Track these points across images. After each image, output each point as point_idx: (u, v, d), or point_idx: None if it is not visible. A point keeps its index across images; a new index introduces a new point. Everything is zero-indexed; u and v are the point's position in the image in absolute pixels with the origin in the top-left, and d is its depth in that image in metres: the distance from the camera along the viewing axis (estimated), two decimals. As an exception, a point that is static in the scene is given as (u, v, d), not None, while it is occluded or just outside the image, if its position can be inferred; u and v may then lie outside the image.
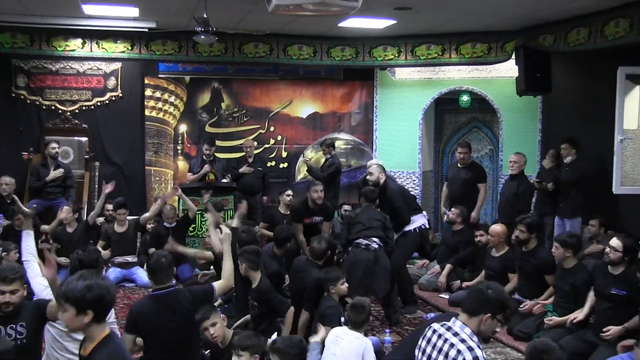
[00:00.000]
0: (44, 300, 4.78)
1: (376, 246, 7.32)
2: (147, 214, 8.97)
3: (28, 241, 5.37)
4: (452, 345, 3.63)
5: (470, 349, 3.56)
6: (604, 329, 5.96)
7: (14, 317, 4.36)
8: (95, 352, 3.23)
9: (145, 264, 5.62)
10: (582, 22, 8.41)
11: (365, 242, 7.33)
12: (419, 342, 3.90)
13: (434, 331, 3.82)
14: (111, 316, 5.02)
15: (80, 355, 3.40)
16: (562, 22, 8.75)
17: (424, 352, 3.82)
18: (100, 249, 8.57)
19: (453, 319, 3.84)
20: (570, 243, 6.68)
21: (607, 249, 6.17)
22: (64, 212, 8.34)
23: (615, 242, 6.13)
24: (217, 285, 5.36)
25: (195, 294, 5.27)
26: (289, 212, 9.05)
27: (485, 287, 3.90)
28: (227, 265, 5.43)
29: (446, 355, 3.61)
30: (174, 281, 5.43)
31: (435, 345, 3.75)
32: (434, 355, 3.71)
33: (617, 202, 8.60)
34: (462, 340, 3.61)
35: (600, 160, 8.91)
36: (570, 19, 8.57)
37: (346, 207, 9.90)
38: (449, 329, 3.75)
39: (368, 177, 8.15)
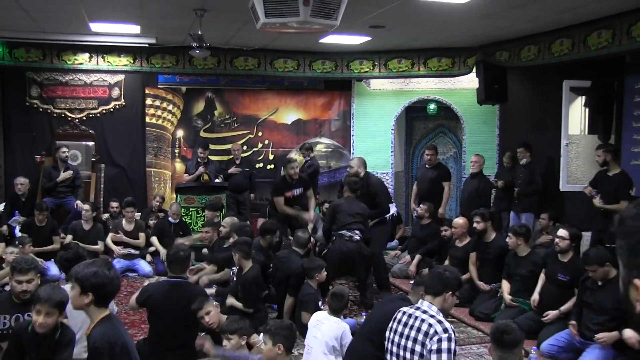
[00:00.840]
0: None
1: (358, 238, 7.39)
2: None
3: None
4: (423, 320, 3.75)
5: (439, 322, 3.71)
6: (544, 314, 6.15)
7: (30, 304, 4.33)
8: (93, 330, 3.33)
9: (165, 254, 5.70)
10: (532, 41, 8.51)
11: (348, 234, 7.36)
12: (390, 325, 3.99)
13: (404, 313, 3.93)
14: (113, 307, 5.06)
15: (87, 335, 3.47)
16: (515, 40, 8.83)
17: (395, 331, 3.91)
18: (110, 241, 8.76)
19: (420, 300, 3.98)
20: (520, 232, 6.83)
21: (557, 239, 6.30)
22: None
23: (562, 232, 6.28)
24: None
25: (200, 293, 5.37)
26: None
27: (443, 270, 4.10)
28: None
29: (418, 330, 3.73)
30: (187, 274, 5.57)
31: (406, 324, 3.84)
32: (406, 332, 3.81)
33: (564, 198, 8.69)
34: (432, 316, 3.76)
35: (549, 162, 9.03)
36: (522, 37, 8.65)
37: (327, 205, 9.90)
38: (417, 309, 3.88)
39: (348, 169, 8.19)
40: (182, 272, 5.32)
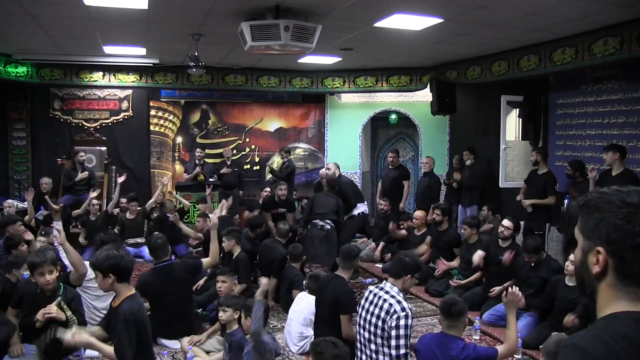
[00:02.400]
0: (67, 272, 4.93)
1: (329, 227, 7.44)
2: (150, 201, 9.09)
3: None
4: (385, 300, 3.81)
5: (398, 302, 3.75)
6: (490, 289, 6.28)
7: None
8: (123, 304, 3.37)
9: (148, 244, 5.70)
10: (476, 63, 8.61)
11: (320, 223, 7.48)
12: (361, 302, 4.04)
13: (370, 291, 3.99)
14: None
15: (112, 306, 3.54)
16: (462, 62, 8.91)
17: (363, 307, 3.97)
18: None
19: (384, 281, 4.02)
20: (474, 224, 6.97)
21: (501, 228, 6.40)
22: (94, 192, 8.54)
23: (507, 222, 6.39)
24: (205, 260, 5.47)
25: (187, 265, 5.43)
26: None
27: (403, 255, 4.11)
28: (214, 246, 5.45)
29: (381, 308, 3.79)
30: (172, 257, 5.60)
31: (372, 301, 3.90)
32: (371, 308, 3.87)
33: (502, 193, 8.80)
34: (392, 296, 3.81)
35: (490, 163, 9.13)
36: (467, 60, 8.75)
37: (305, 200, 9.93)
38: (381, 289, 3.93)
39: (326, 170, 8.23)
40: (165, 256, 5.34)
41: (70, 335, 3.47)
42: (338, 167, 8.21)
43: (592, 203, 1.36)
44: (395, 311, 3.71)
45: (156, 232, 6.37)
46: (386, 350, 3.77)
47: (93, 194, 8.51)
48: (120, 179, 8.68)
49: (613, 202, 1.31)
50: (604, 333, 1.23)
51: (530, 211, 7.40)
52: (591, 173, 6.53)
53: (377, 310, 3.82)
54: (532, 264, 5.75)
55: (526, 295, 5.62)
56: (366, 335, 3.90)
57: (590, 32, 6.42)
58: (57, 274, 4.28)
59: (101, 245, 4.97)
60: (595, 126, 7.38)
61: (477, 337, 5.61)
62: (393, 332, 3.69)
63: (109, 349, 3.43)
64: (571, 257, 5.41)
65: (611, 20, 6.01)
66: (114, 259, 3.35)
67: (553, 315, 5.31)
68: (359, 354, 4.04)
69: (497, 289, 6.21)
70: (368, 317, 3.88)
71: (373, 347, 3.84)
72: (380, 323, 3.77)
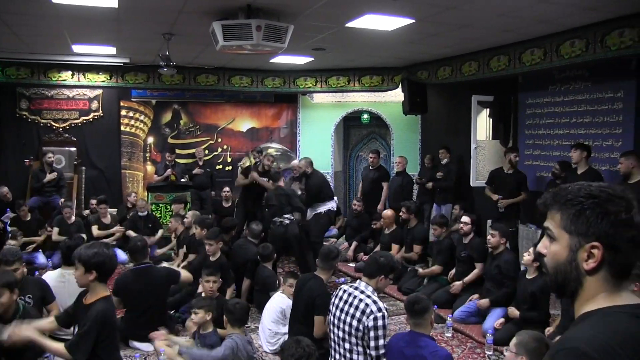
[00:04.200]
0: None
1: (287, 222, 7.49)
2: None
3: None
4: (360, 300, 3.84)
5: (374, 302, 3.79)
6: (450, 285, 6.46)
7: (21, 290, 4.29)
8: (95, 304, 3.37)
9: (127, 247, 5.67)
10: (447, 63, 8.69)
11: (279, 220, 7.53)
12: (334, 301, 4.05)
13: (344, 291, 4.01)
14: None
15: (82, 302, 3.50)
16: (433, 62, 8.98)
17: (337, 306, 3.99)
18: (94, 229, 8.67)
19: (358, 280, 4.05)
20: (442, 222, 7.08)
21: (461, 224, 6.58)
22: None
23: (465, 218, 6.58)
24: (182, 273, 5.48)
25: (169, 273, 5.43)
26: (229, 204, 9.20)
27: (379, 256, 4.13)
28: (186, 275, 5.53)
29: (356, 308, 3.81)
30: (148, 259, 5.58)
31: (347, 301, 3.92)
32: (345, 308, 3.89)
33: (473, 192, 8.91)
34: (368, 296, 3.84)
35: (461, 162, 9.24)
36: (438, 60, 8.82)
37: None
38: (356, 288, 3.95)
39: (294, 172, 8.34)
40: (144, 258, 5.36)
41: (7, 333, 3.36)
42: (310, 164, 8.30)
43: (578, 199, 1.34)
44: (372, 311, 3.74)
45: (135, 235, 6.33)
46: (360, 349, 3.81)
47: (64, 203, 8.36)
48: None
49: (604, 196, 1.32)
50: (606, 335, 1.22)
51: (503, 210, 7.50)
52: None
53: (352, 310, 3.83)
54: (493, 254, 5.92)
55: (489, 289, 5.82)
56: (340, 334, 3.92)
57: (558, 34, 6.55)
58: (14, 297, 3.93)
59: (67, 251, 4.95)
60: (563, 126, 7.53)
61: (450, 335, 5.69)
62: (372, 333, 3.73)
63: (56, 345, 3.39)
64: (530, 250, 5.55)
65: (577, 23, 6.15)
66: (101, 257, 3.37)
67: (516, 307, 5.45)
68: (332, 352, 4.07)
69: (456, 284, 6.41)
70: (342, 317, 3.89)
71: (347, 346, 3.87)
72: (355, 323, 3.79)
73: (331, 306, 4.07)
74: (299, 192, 8.45)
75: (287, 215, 7.56)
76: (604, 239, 1.30)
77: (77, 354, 3.31)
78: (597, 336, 1.22)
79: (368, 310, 3.75)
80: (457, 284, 6.39)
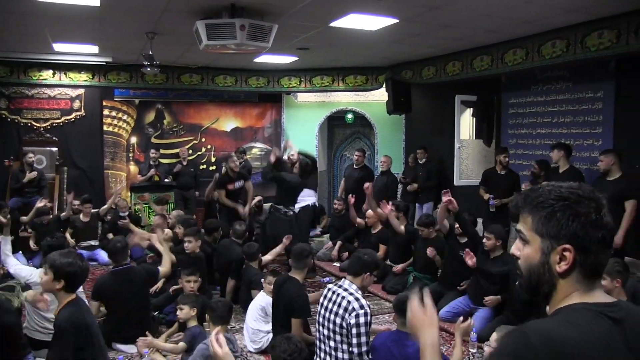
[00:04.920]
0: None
1: (292, 213, 7.43)
2: (104, 207, 8.89)
3: (5, 245, 5.36)
4: (343, 297, 3.85)
5: (357, 299, 3.80)
6: (448, 284, 6.40)
7: None
8: (62, 311, 3.29)
9: (106, 247, 5.63)
10: (430, 63, 8.74)
11: (284, 209, 7.44)
12: (320, 300, 4.07)
13: (329, 290, 4.03)
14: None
15: (55, 316, 3.41)
16: (417, 62, 9.03)
17: (322, 305, 4.00)
18: (68, 236, 8.54)
19: (343, 279, 4.05)
20: (428, 222, 7.02)
21: (457, 225, 6.49)
22: (42, 202, 8.22)
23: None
24: (161, 269, 5.45)
25: (147, 271, 5.39)
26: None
27: (362, 254, 4.12)
28: (166, 258, 5.51)
29: (339, 305, 3.83)
30: (128, 260, 5.55)
31: (331, 299, 3.93)
32: (330, 306, 3.90)
33: (456, 191, 8.76)
34: (351, 294, 3.85)
35: (445, 161, 9.30)
36: (422, 60, 8.87)
37: (258, 197, 9.70)
38: (340, 287, 3.96)
39: (290, 157, 8.19)
40: (124, 259, 5.30)
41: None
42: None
43: (548, 202, 1.35)
44: (354, 309, 3.76)
45: (115, 236, 6.27)
46: (345, 347, 3.82)
47: (40, 204, 8.22)
48: (70, 198, 8.44)
49: (574, 198, 1.33)
50: (559, 324, 1.25)
51: (494, 210, 7.53)
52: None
53: (335, 308, 3.85)
54: (491, 257, 5.87)
55: (484, 288, 5.82)
56: (325, 332, 3.94)
57: (540, 35, 6.63)
58: None
59: (49, 251, 4.87)
60: (545, 125, 7.62)
61: (434, 333, 5.69)
62: (354, 330, 3.74)
63: None
64: (514, 250, 5.54)
65: (558, 24, 6.23)
66: (74, 268, 3.29)
67: (510, 308, 5.45)
68: (317, 351, 4.08)
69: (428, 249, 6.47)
70: (327, 315, 3.91)
71: (332, 344, 3.88)
72: (339, 320, 3.80)
73: (318, 306, 4.09)
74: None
75: (292, 208, 7.51)
76: (574, 241, 1.31)
77: None
78: (549, 324, 1.25)
79: (350, 308, 3.77)
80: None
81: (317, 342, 4.08)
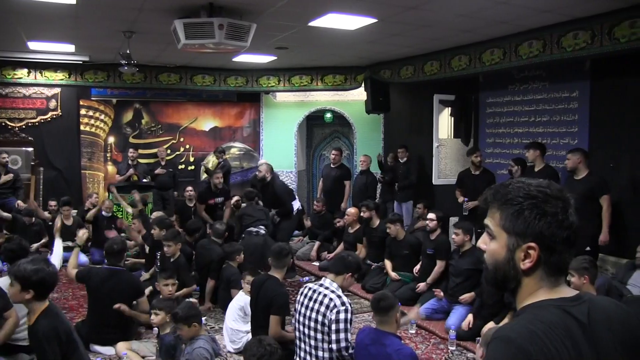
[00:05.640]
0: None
1: (263, 232, 7.51)
2: (90, 213, 8.75)
3: None
4: (325, 295, 3.91)
5: (339, 296, 3.87)
6: (416, 285, 6.51)
7: None
8: (38, 322, 3.21)
9: (104, 247, 5.59)
10: (409, 62, 8.79)
11: (255, 229, 7.51)
12: (298, 298, 4.10)
13: (309, 289, 4.06)
14: None
15: (28, 325, 3.35)
16: (395, 61, 9.08)
17: (302, 304, 4.03)
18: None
19: (324, 278, 4.12)
20: (395, 219, 7.09)
21: (427, 221, 6.63)
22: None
23: (432, 215, 6.61)
24: (143, 303, 5.33)
25: (136, 283, 5.43)
26: (193, 203, 9.13)
27: (346, 254, 4.28)
28: (144, 307, 5.36)
29: (321, 303, 3.87)
30: (122, 263, 5.49)
31: (311, 297, 3.97)
32: (310, 305, 3.93)
33: (435, 190, 9.02)
34: (332, 292, 3.91)
35: (423, 160, 9.34)
36: (401, 59, 8.92)
37: (236, 197, 9.81)
38: (321, 285, 4.02)
39: (257, 173, 8.26)
40: (118, 262, 5.31)
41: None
42: (271, 170, 8.26)
43: (517, 199, 1.36)
44: (335, 305, 3.81)
45: (114, 237, 6.23)
46: (325, 345, 3.85)
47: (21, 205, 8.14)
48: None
49: (542, 197, 1.34)
50: (533, 324, 1.27)
51: (467, 213, 7.58)
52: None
53: (316, 306, 3.89)
54: (460, 253, 5.97)
55: (457, 284, 5.90)
56: (305, 331, 3.96)
57: (517, 35, 6.72)
58: None
59: (11, 255, 4.82)
60: (522, 124, 7.71)
61: (414, 331, 5.76)
62: (333, 326, 3.78)
63: None
64: (481, 244, 5.61)
65: (534, 25, 6.32)
66: (42, 274, 3.20)
67: (482, 304, 5.51)
68: (297, 350, 4.09)
69: (421, 285, 6.46)
70: (307, 313, 3.94)
71: (312, 342, 3.91)
72: (320, 318, 3.84)
73: (297, 304, 4.12)
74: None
75: (262, 227, 7.55)
76: (540, 239, 1.33)
77: None
78: (524, 325, 1.27)
79: (332, 305, 3.82)
80: (422, 285, 6.44)
81: (297, 342, 4.09)
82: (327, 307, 3.84)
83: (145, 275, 6.82)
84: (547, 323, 1.26)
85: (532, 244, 1.33)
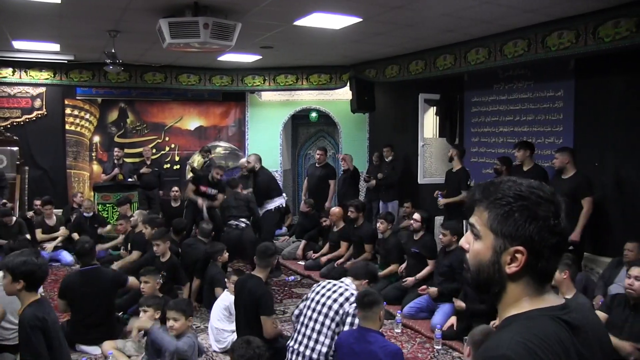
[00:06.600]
0: None
1: (243, 225, 7.57)
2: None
3: None
4: (346, 289, 4.12)
5: (355, 291, 4.09)
6: (402, 280, 6.59)
7: None
8: (25, 311, 3.29)
9: (74, 249, 5.58)
10: (394, 62, 8.82)
11: (235, 222, 7.60)
12: (309, 295, 4.27)
13: (328, 282, 4.31)
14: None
15: (18, 315, 3.41)
16: (380, 61, 9.11)
17: (316, 292, 4.21)
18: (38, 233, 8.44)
19: (343, 277, 4.36)
20: (389, 219, 7.24)
21: (412, 221, 6.69)
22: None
23: (416, 215, 6.68)
24: (131, 280, 5.44)
25: (116, 275, 5.44)
26: (178, 204, 9.15)
27: (367, 263, 4.74)
28: (134, 282, 5.45)
29: (341, 294, 4.08)
30: (95, 260, 5.50)
31: (330, 289, 4.18)
32: (327, 293, 4.14)
33: (420, 189, 9.06)
34: (352, 289, 4.14)
35: (409, 160, 9.39)
36: (386, 58, 8.95)
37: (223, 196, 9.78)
38: (342, 282, 4.26)
39: (246, 163, 8.38)
40: (92, 260, 5.33)
41: None
42: (259, 160, 8.36)
43: (507, 199, 1.30)
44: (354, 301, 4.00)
45: (82, 237, 6.24)
46: (329, 332, 3.99)
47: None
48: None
49: (534, 199, 1.29)
50: (528, 339, 1.20)
51: (444, 209, 7.72)
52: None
53: (335, 295, 4.07)
54: (446, 251, 6.03)
55: (440, 283, 5.96)
56: (314, 315, 4.08)
57: (502, 34, 6.77)
58: None
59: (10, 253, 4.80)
60: (507, 124, 7.77)
61: (399, 330, 5.79)
62: (349, 319, 3.96)
63: None
64: (464, 243, 5.67)
65: (518, 24, 6.37)
66: (30, 266, 3.27)
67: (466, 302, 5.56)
68: (295, 335, 4.20)
69: (409, 280, 6.51)
70: (321, 300, 4.11)
71: (317, 327, 4.05)
72: (336, 306, 4.01)
73: (311, 293, 4.27)
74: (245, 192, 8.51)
75: (243, 219, 7.59)
76: (529, 243, 1.27)
77: None
78: (519, 341, 1.20)
79: (352, 299, 3.99)
80: (410, 279, 6.51)
81: (298, 326, 4.21)
82: (347, 299, 4.03)
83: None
84: (542, 337, 1.21)
85: (520, 248, 1.27)
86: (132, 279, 5.47)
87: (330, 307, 4.01)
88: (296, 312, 4.35)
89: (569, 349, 1.22)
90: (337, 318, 3.96)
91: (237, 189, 8.07)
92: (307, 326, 4.09)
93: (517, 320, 1.28)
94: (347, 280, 4.25)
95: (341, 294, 4.06)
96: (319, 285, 4.31)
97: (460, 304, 5.53)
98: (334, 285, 4.20)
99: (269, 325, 4.54)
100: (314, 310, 4.10)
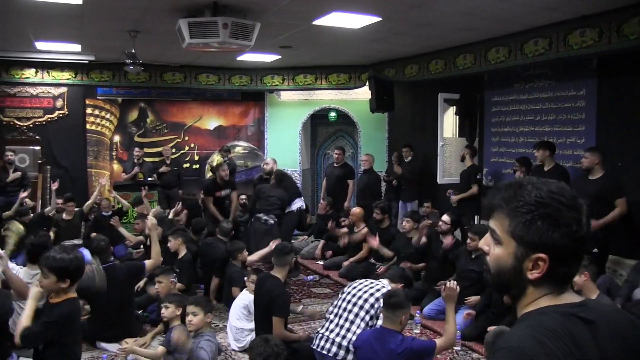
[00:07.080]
0: None
1: (272, 222, 7.52)
2: (87, 203, 8.80)
3: None
4: (378, 284, 4.35)
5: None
6: (432, 283, 6.44)
7: None
8: (63, 303, 3.24)
9: (92, 248, 5.60)
10: (413, 61, 8.78)
11: (264, 217, 7.55)
12: (345, 290, 4.48)
13: (361, 282, 4.47)
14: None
15: (48, 301, 3.36)
16: (400, 60, 9.07)
17: (354, 287, 4.41)
18: (51, 234, 8.47)
19: (380, 279, 4.62)
20: (415, 218, 7.19)
21: (440, 222, 6.56)
22: (25, 193, 8.22)
23: (446, 217, 6.55)
24: (147, 262, 5.41)
25: (130, 267, 5.41)
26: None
27: (403, 268, 4.90)
28: (155, 248, 5.43)
29: (378, 290, 4.27)
30: (112, 257, 5.54)
31: (367, 285, 4.38)
32: (365, 288, 4.34)
33: (439, 189, 8.93)
34: (385, 285, 4.35)
35: (428, 160, 9.33)
36: (405, 58, 8.91)
37: (243, 196, 9.75)
38: (379, 281, 4.49)
39: (264, 166, 8.48)
40: (107, 258, 5.37)
41: None
42: (275, 162, 8.48)
43: (528, 207, 1.29)
44: None
45: (97, 235, 6.27)
46: (362, 324, 4.14)
47: (23, 194, 8.20)
48: (54, 186, 8.44)
49: (555, 205, 1.27)
50: (538, 332, 1.22)
51: (456, 206, 7.79)
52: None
53: (372, 290, 4.26)
54: (472, 257, 5.91)
55: (464, 288, 5.85)
56: (349, 307, 4.26)
57: (522, 33, 6.69)
58: None
59: (32, 249, 4.85)
60: (527, 123, 7.68)
61: (418, 331, 5.75)
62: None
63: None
64: (483, 245, 5.59)
65: (539, 22, 6.29)
66: (77, 262, 3.25)
67: (493, 306, 5.49)
68: (327, 324, 4.33)
69: (449, 285, 6.40)
70: (359, 294, 4.28)
71: (351, 317, 4.20)
72: (372, 299, 4.19)
73: (347, 287, 4.49)
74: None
75: (272, 216, 7.57)
76: (551, 251, 1.27)
77: (25, 341, 3.24)
78: (530, 333, 1.22)
79: (381, 287, 4.29)
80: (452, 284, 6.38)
81: (331, 316, 4.36)
82: (380, 291, 4.24)
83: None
84: (551, 329, 1.22)
85: (543, 256, 1.27)
86: (149, 262, 5.43)
87: (366, 300, 4.19)
88: (331, 308, 4.51)
89: (581, 343, 1.22)
90: (372, 311, 4.14)
91: (284, 182, 8.06)
92: (340, 316, 4.24)
93: (530, 316, 1.30)
94: (385, 281, 4.43)
95: (378, 290, 4.24)
96: (357, 281, 4.50)
97: (473, 300, 5.64)
98: (372, 282, 4.40)
99: (279, 326, 4.53)
100: (349, 302, 4.27)
